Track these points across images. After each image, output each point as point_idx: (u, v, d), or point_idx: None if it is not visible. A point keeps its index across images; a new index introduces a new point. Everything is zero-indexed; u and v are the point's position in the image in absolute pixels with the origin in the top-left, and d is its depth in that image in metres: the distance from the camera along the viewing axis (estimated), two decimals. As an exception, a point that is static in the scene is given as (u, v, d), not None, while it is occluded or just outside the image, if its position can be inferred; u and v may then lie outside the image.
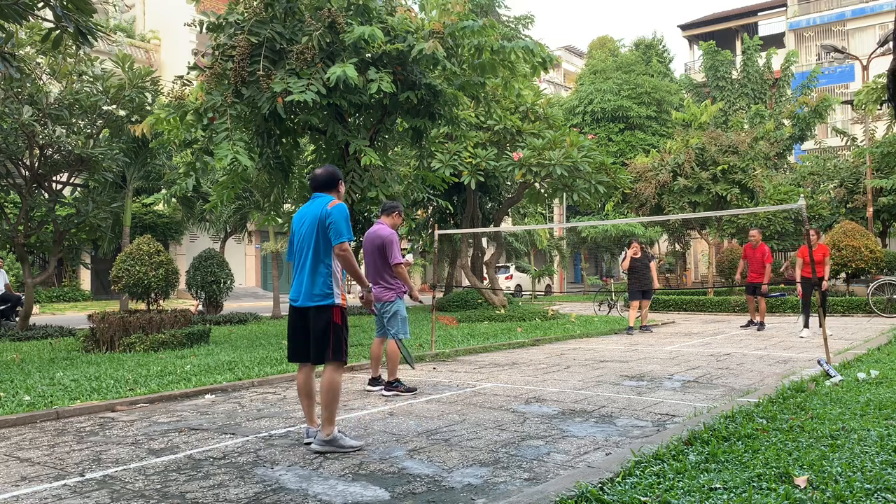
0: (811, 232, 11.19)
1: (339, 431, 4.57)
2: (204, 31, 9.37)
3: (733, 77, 34.16)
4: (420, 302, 7.35)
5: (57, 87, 12.60)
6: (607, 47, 40.38)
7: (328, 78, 8.23)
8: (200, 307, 16.93)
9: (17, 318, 13.73)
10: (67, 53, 12.19)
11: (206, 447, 4.72)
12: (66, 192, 14.96)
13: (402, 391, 6.60)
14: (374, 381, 6.89)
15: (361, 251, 7.10)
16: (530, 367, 8.44)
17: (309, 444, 4.64)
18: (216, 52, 9.17)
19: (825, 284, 11.44)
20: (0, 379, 7.38)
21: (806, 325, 11.39)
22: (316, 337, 4.54)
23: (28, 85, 11.78)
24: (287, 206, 14.62)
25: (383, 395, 6.56)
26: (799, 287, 11.50)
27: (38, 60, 12.37)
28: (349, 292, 29.73)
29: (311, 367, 4.71)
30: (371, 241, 6.69)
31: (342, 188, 4.90)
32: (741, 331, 12.84)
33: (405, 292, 6.78)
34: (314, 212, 4.65)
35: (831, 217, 21.62)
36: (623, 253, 13.23)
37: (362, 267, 6.26)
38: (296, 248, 4.74)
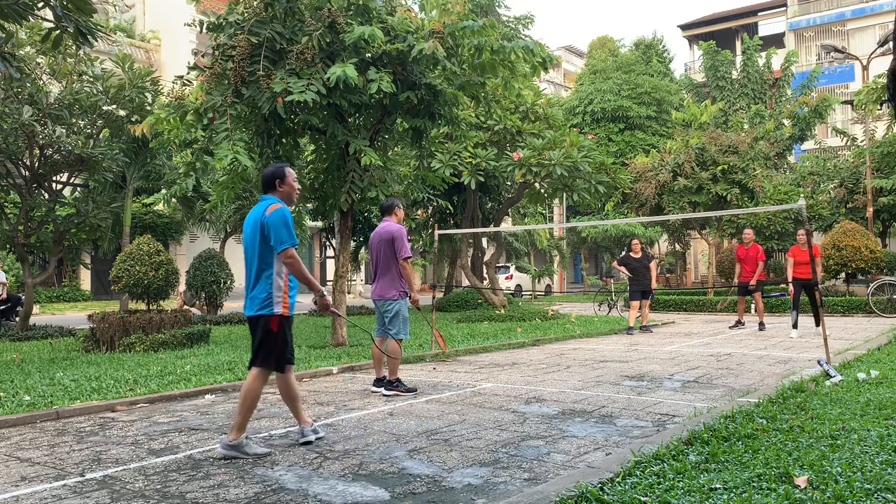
0: (800, 232, 11.22)
1: (246, 438, 4.49)
2: (204, 31, 9.36)
3: (733, 77, 34.13)
4: (419, 309, 7.28)
5: (57, 87, 12.61)
6: (607, 47, 40.37)
7: (328, 78, 8.22)
8: (189, 304, 16.53)
9: (17, 318, 13.74)
10: (67, 53, 12.19)
11: (206, 447, 4.72)
12: (66, 192, 14.95)
13: (402, 391, 6.60)
14: (379, 381, 6.89)
15: (365, 250, 7.08)
16: (530, 367, 8.44)
17: (306, 442, 4.69)
18: (216, 52, 9.16)
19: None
20: (0, 379, 7.38)
21: (794, 326, 11.41)
22: (254, 342, 4.55)
23: (28, 85, 11.78)
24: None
25: (384, 395, 6.56)
26: (791, 287, 11.53)
27: (38, 60, 12.37)
28: (349, 292, 29.54)
29: (285, 371, 4.66)
30: (380, 236, 6.72)
31: (285, 186, 4.67)
32: (740, 330, 12.86)
33: (407, 293, 6.77)
34: (255, 216, 4.57)
35: (831, 217, 21.61)
36: (616, 262, 13.39)
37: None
38: (244, 254, 4.68)
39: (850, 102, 28.24)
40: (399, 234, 6.62)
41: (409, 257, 6.63)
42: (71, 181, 14.14)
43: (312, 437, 4.74)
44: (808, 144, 31.38)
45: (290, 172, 4.73)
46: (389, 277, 6.66)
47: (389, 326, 6.68)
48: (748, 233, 13.08)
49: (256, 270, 4.54)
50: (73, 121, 12.67)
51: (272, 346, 4.51)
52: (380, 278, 6.71)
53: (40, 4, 6.44)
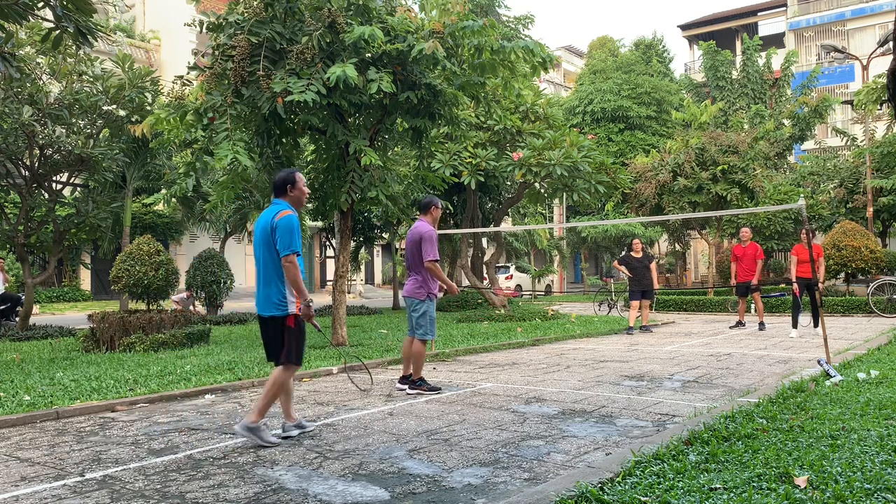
0: (802, 232, 11.23)
1: (264, 424, 4.82)
2: (204, 31, 9.36)
3: (733, 77, 34.12)
4: (457, 293, 7.59)
5: (57, 87, 12.60)
6: (607, 47, 40.35)
7: (328, 78, 8.22)
8: (181, 304, 15.76)
9: (17, 318, 13.73)
10: (67, 53, 12.19)
11: (206, 447, 4.72)
12: (66, 192, 14.95)
13: (426, 390, 6.68)
14: (405, 378, 6.92)
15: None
16: (530, 367, 8.44)
17: (286, 437, 4.89)
18: (216, 52, 9.16)
19: (821, 285, 11.49)
20: (0, 379, 7.38)
21: (794, 325, 11.41)
22: (275, 342, 4.84)
23: (28, 85, 11.77)
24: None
25: (408, 394, 6.63)
26: (795, 286, 11.54)
27: (38, 60, 12.36)
28: (349, 292, 29.60)
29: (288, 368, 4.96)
30: (411, 237, 6.87)
31: (296, 191, 4.94)
32: (740, 331, 12.85)
33: (436, 295, 6.93)
34: (265, 220, 4.81)
35: (831, 217, 21.61)
36: (616, 262, 13.42)
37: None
38: (256, 255, 4.93)
39: (850, 102, 28.24)
40: (427, 236, 6.73)
41: (437, 260, 6.73)
42: (71, 181, 14.13)
43: (295, 433, 4.95)
44: (808, 144, 31.39)
45: (301, 178, 4.99)
46: (421, 277, 6.79)
47: (416, 326, 6.79)
48: (745, 231, 13.11)
49: (267, 272, 4.78)
50: (73, 121, 12.66)
51: (293, 342, 4.79)
52: (410, 277, 6.92)
53: (40, 4, 6.44)
